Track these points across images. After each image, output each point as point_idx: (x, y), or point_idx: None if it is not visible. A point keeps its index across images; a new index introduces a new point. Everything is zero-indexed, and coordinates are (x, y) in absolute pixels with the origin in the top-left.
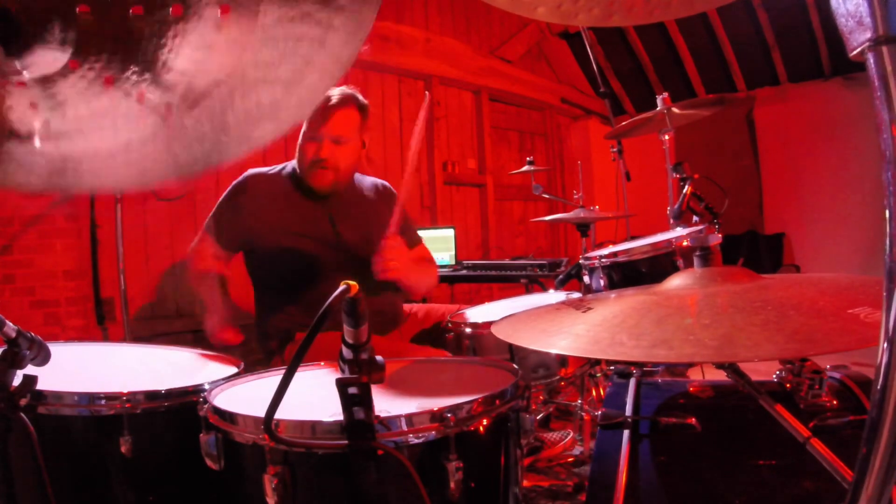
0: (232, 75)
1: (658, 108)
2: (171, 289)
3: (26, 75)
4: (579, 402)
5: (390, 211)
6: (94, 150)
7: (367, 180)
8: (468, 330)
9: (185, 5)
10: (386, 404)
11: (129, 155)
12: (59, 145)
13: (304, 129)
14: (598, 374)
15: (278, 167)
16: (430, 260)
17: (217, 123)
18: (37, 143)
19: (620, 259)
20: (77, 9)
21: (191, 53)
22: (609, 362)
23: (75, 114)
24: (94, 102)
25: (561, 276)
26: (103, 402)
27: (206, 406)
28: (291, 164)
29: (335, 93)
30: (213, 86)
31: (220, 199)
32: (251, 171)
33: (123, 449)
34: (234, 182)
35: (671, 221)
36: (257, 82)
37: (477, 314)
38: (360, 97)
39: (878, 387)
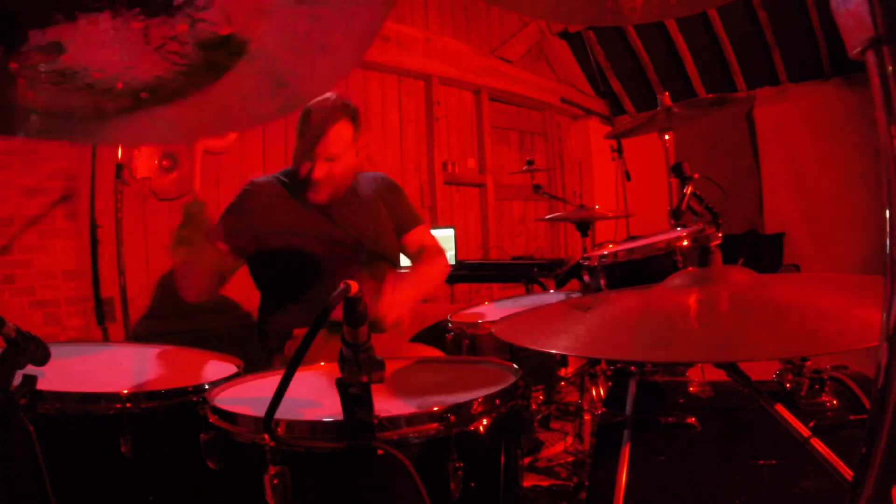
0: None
1: (658, 108)
2: (171, 289)
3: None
4: (579, 402)
5: (390, 202)
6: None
7: (367, 175)
8: (468, 330)
9: None
10: (386, 404)
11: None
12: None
13: (297, 143)
14: (598, 374)
15: (278, 174)
16: (436, 249)
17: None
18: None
19: (620, 259)
20: None
21: None
22: (609, 362)
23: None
24: (140, 55)
25: (561, 276)
26: (103, 402)
27: (206, 406)
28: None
29: (326, 105)
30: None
31: (226, 209)
32: (252, 179)
33: (123, 449)
34: (238, 193)
35: (671, 221)
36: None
37: (477, 314)
38: (351, 104)
39: (878, 387)
